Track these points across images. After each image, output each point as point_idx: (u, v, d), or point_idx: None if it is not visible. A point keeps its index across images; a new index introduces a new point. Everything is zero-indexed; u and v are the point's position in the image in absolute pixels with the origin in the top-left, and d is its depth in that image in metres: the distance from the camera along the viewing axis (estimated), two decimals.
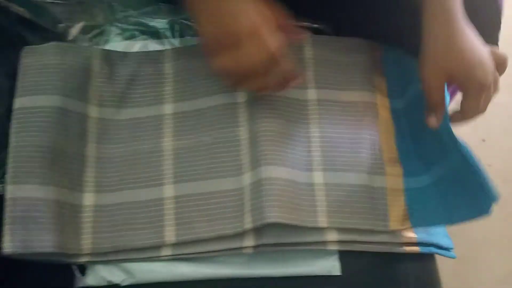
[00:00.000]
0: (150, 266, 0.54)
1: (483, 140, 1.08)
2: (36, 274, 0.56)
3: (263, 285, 0.54)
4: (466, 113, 0.55)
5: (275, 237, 0.52)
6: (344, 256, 0.54)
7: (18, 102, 0.55)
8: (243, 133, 0.56)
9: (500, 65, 0.55)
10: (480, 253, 0.98)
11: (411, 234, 0.55)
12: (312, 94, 0.58)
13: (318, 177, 0.55)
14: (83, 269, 0.54)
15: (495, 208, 1.01)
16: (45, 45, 0.58)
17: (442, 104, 0.54)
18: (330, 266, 0.54)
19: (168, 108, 0.58)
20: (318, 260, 0.54)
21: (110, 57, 0.60)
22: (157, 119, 0.58)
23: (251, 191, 0.53)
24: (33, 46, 0.58)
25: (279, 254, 0.54)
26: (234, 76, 0.50)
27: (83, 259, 0.53)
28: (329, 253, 0.54)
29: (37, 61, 0.56)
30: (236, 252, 0.53)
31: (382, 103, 0.61)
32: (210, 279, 0.54)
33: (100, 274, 0.54)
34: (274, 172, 0.53)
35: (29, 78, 0.56)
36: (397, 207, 0.56)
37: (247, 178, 0.54)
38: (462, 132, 1.06)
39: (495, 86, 0.55)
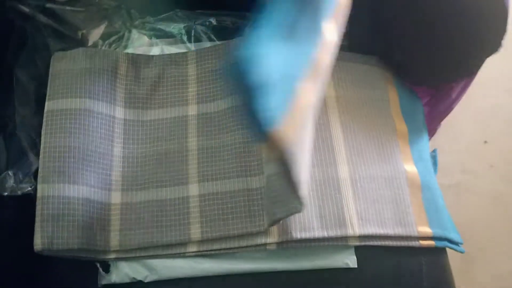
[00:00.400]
0: (172, 262, 0.55)
1: (485, 142, 1.10)
2: (61, 270, 0.57)
3: (282, 279, 0.55)
4: None
5: (299, 233, 0.54)
6: (360, 249, 0.56)
7: (49, 105, 0.57)
8: None
9: None
10: (485, 252, 0.99)
11: (427, 229, 0.57)
12: (331, 91, 0.61)
13: (343, 172, 0.57)
14: (106, 266, 0.56)
15: (500, 208, 1.04)
16: (74, 50, 0.60)
17: None
18: (348, 259, 0.55)
19: (192, 109, 0.61)
20: (335, 254, 0.56)
21: (136, 60, 0.62)
22: (182, 119, 0.60)
23: None
24: (63, 51, 0.61)
25: (297, 248, 0.56)
26: None
27: (111, 256, 0.55)
28: (345, 246, 0.56)
29: (66, 66, 0.59)
30: (260, 249, 0.55)
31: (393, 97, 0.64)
32: (231, 274, 0.55)
33: (123, 271, 0.55)
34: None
35: (59, 82, 0.58)
36: None
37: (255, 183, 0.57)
38: (465, 134, 1.09)
39: None
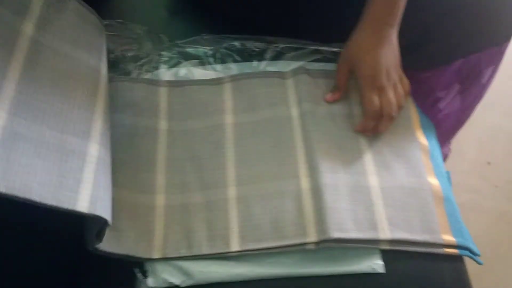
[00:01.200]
0: (208, 267, 0.57)
1: (489, 163, 1.14)
2: (99, 276, 0.59)
3: (311, 284, 0.58)
4: (365, 111, 0.65)
5: (336, 233, 0.57)
6: (386, 254, 0.59)
7: None
8: (298, 140, 0.63)
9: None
10: (491, 268, 1.02)
11: (450, 238, 0.60)
12: (358, 109, 0.67)
13: (373, 180, 0.61)
14: (144, 272, 0.58)
15: (505, 227, 1.07)
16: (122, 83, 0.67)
17: (341, 88, 0.67)
18: (375, 264, 0.58)
19: (228, 118, 0.65)
20: (362, 259, 0.58)
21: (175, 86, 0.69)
22: (218, 128, 0.65)
23: (311, 196, 0.59)
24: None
25: (326, 253, 0.58)
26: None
27: (156, 255, 0.57)
28: (372, 252, 0.58)
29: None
30: (299, 249, 0.57)
31: (414, 114, 0.69)
32: (263, 279, 0.57)
33: (161, 276, 0.57)
34: (331, 179, 0.60)
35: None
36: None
37: (305, 183, 0.60)
38: (468, 156, 1.13)
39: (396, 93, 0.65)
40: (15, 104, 0.47)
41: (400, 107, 0.66)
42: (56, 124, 0.50)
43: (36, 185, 0.45)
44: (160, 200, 0.60)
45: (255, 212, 0.59)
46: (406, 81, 0.67)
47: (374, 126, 0.65)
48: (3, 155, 0.44)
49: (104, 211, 0.50)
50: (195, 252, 0.57)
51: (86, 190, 0.49)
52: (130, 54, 0.70)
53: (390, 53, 0.65)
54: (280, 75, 0.69)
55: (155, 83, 0.68)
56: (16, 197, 0.43)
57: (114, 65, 0.69)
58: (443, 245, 0.59)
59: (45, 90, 0.50)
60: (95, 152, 0.52)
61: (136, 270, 0.58)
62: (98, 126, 0.54)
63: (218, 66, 0.71)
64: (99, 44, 0.59)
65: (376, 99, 0.64)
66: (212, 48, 0.72)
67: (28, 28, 0.51)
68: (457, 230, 0.61)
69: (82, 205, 0.48)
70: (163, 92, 0.68)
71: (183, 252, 0.57)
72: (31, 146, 0.47)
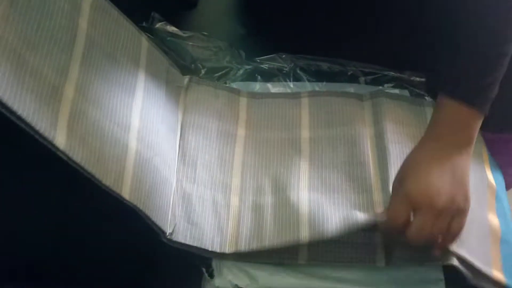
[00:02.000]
0: (273, 274, 0.58)
1: None
2: (166, 276, 0.61)
3: None
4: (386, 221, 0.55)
5: (406, 254, 0.58)
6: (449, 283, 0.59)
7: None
8: (372, 158, 0.65)
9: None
10: None
11: (501, 276, 0.59)
12: None
13: None
14: (211, 272, 0.60)
15: None
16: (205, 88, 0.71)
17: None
18: None
19: (304, 132, 0.68)
20: (426, 284, 0.59)
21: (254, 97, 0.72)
22: (294, 140, 0.67)
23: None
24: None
25: (390, 274, 0.59)
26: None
27: (228, 250, 0.59)
28: (434, 279, 0.59)
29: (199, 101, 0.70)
30: (367, 266, 0.58)
31: (485, 153, 0.69)
32: None
33: (226, 277, 0.58)
34: None
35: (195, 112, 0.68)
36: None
37: (377, 196, 0.62)
38: None
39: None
40: (79, 84, 0.52)
41: (436, 243, 0.54)
42: (106, 112, 0.54)
43: (97, 161, 0.50)
44: (234, 201, 0.62)
45: (326, 211, 0.60)
46: (459, 225, 0.54)
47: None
48: (73, 127, 0.49)
49: (143, 203, 0.54)
50: (267, 246, 0.58)
51: (127, 178, 0.53)
52: (209, 65, 0.74)
53: (450, 178, 0.53)
54: (358, 96, 0.71)
55: (237, 92, 0.71)
56: (83, 169, 0.48)
57: (195, 74, 0.73)
58: (493, 280, 0.59)
59: (98, 80, 0.55)
60: (133, 146, 0.56)
61: (204, 270, 0.60)
62: (136, 122, 0.58)
63: (292, 84, 0.74)
64: (136, 51, 0.63)
65: (404, 213, 0.53)
66: (287, 66, 0.75)
67: (83, 23, 0.56)
68: (509, 272, 0.60)
69: (125, 191, 0.52)
70: (242, 101, 0.71)
71: (255, 246, 0.59)
72: (90, 125, 0.51)
